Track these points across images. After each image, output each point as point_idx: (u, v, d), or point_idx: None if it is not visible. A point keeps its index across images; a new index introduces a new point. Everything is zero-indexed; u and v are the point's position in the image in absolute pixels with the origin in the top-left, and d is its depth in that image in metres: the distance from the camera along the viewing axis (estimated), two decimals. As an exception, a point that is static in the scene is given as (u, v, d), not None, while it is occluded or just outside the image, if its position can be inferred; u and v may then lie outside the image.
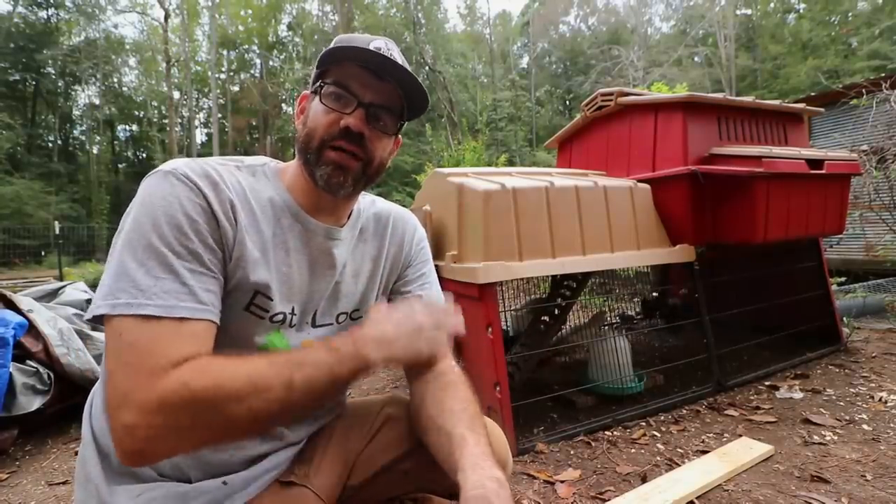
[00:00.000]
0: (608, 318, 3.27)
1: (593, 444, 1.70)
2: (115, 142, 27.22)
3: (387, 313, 0.71)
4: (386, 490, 0.84)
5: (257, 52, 28.90)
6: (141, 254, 0.58)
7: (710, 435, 1.72)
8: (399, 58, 0.71)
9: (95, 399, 0.74)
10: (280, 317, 0.72)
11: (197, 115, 28.57)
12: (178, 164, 0.64)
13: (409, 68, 0.72)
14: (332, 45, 0.71)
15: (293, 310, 0.74)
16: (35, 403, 1.90)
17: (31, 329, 2.05)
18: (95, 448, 0.69)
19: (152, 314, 0.56)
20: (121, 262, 0.58)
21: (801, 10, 23.36)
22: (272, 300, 0.70)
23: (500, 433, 0.83)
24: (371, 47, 0.68)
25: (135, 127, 27.59)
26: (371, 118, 0.71)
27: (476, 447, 0.62)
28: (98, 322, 0.59)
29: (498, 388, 1.67)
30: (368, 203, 0.89)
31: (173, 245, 0.59)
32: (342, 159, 0.69)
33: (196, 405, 0.54)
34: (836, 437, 1.63)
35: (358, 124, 0.69)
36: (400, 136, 0.80)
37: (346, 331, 0.83)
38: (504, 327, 2.41)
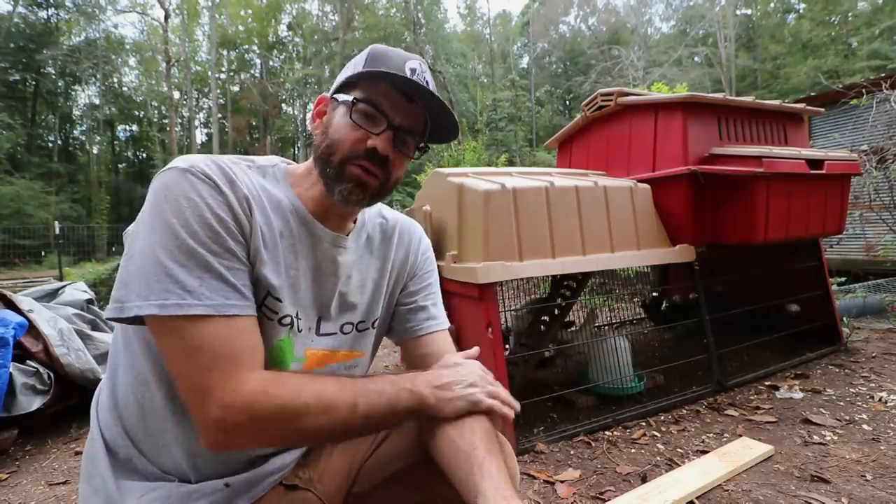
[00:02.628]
0: (608, 318, 3.27)
1: (593, 444, 1.70)
2: (115, 142, 27.27)
3: (450, 364, 0.75)
4: (390, 500, 0.82)
5: (257, 52, 28.94)
6: (178, 254, 0.58)
7: (710, 435, 1.72)
8: (430, 80, 0.72)
9: (102, 394, 0.74)
10: (288, 320, 0.71)
11: (197, 115, 28.64)
12: (195, 160, 0.63)
13: (436, 92, 0.71)
14: (368, 62, 0.70)
15: (297, 314, 0.73)
16: (35, 403, 1.91)
17: (31, 329, 2.05)
18: (103, 442, 0.69)
19: (204, 314, 0.57)
20: (158, 262, 0.57)
21: (801, 10, 23.38)
22: (281, 302, 0.69)
23: (509, 446, 0.80)
24: (407, 69, 0.68)
25: (135, 127, 27.65)
26: (398, 141, 0.70)
27: (499, 472, 0.61)
28: (133, 322, 0.59)
29: (498, 388, 1.66)
30: (375, 212, 0.88)
31: (208, 244, 0.59)
32: (364, 176, 0.69)
33: (273, 412, 0.58)
34: (836, 437, 1.63)
35: (385, 147, 0.68)
36: None
37: (351, 341, 0.82)
38: (503, 324, 2.41)
